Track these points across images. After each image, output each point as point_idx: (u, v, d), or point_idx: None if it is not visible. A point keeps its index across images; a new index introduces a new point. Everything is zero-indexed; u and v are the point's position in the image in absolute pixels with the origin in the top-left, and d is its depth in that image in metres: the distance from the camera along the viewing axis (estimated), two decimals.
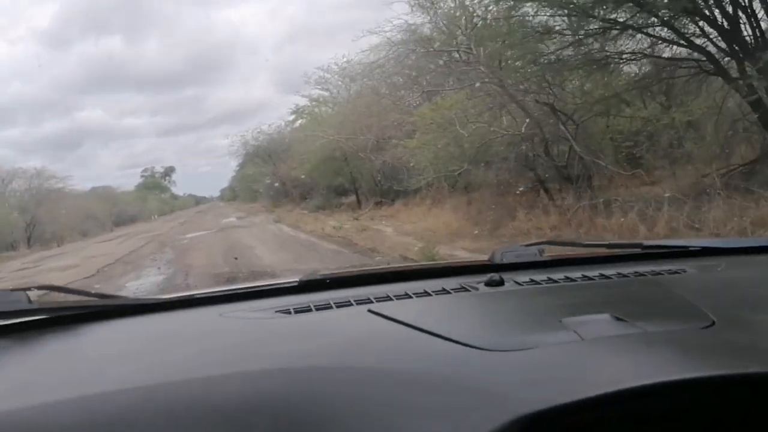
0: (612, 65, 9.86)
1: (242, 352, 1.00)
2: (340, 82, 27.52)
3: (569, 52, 9.73)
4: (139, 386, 0.84)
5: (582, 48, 9.63)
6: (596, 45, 9.68)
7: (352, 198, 27.90)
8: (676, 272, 1.40)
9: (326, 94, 28.14)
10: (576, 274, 1.37)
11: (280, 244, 12.85)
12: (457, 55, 14.54)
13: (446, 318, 1.17)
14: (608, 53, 9.60)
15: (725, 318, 0.97)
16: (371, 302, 1.21)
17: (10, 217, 37.66)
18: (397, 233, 13.88)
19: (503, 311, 1.23)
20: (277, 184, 37.18)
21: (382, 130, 21.76)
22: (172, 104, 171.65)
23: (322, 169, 25.59)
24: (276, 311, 1.20)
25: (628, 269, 1.44)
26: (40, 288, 1.31)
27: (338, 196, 29.46)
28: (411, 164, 19.18)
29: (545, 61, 9.99)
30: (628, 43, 9.87)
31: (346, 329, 1.13)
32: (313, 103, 26.74)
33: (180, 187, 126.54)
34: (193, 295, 1.39)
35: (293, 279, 1.44)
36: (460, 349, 0.89)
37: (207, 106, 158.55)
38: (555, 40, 9.89)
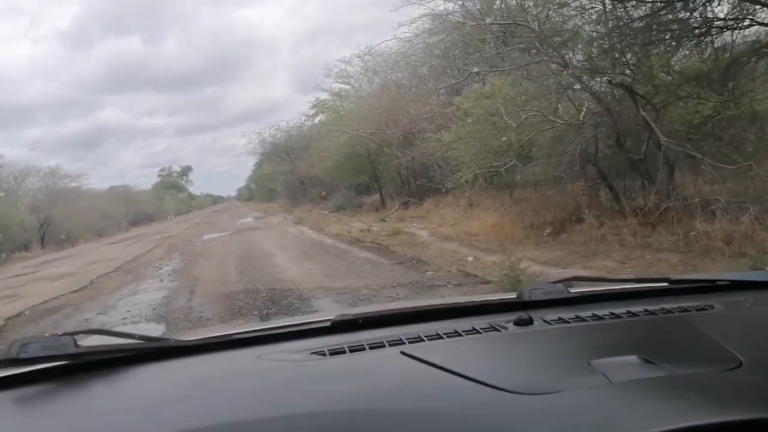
0: (712, 35, 7.93)
1: (283, 395, 1.03)
2: (362, 75, 25.73)
3: (658, 18, 7.84)
4: (187, 430, 0.86)
5: (675, 13, 7.73)
6: (685, 11, 7.81)
7: (375, 197, 26.11)
8: (703, 308, 1.38)
9: (347, 87, 26.36)
10: (603, 311, 1.36)
11: (303, 251, 11.06)
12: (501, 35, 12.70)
13: (477, 359, 1.18)
14: (710, 18, 7.67)
15: (753, 359, 0.97)
16: (403, 343, 1.21)
17: (22, 216, 36.20)
18: (436, 238, 12.05)
19: (532, 352, 1.22)
20: (295, 183, 35.49)
21: (409, 124, 19.95)
22: (190, 104, 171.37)
23: (344, 167, 23.81)
24: (311, 353, 1.21)
25: (655, 305, 1.41)
26: (86, 332, 1.38)
27: (360, 196, 27.67)
28: (445, 160, 17.43)
29: (627, 32, 8.11)
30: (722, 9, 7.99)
31: (381, 372, 1.13)
32: (335, 97, 24.95)
33: (197, 186, 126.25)
34: (231, 335, 1.41)
35: (326, 318, 1.44)
36: (491, 393, 0.90)
37: (225, 106, 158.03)
38: (639, 5, 8.00)
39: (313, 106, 24.60)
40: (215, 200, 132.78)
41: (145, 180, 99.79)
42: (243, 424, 0.88)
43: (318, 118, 24.54)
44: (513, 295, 1.56)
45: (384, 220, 18.06)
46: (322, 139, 23.53)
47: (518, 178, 13.62)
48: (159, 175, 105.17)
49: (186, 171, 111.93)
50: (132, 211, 63.03)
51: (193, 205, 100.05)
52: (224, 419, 0.90)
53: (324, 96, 27.05)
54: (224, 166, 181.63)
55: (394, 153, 20.70)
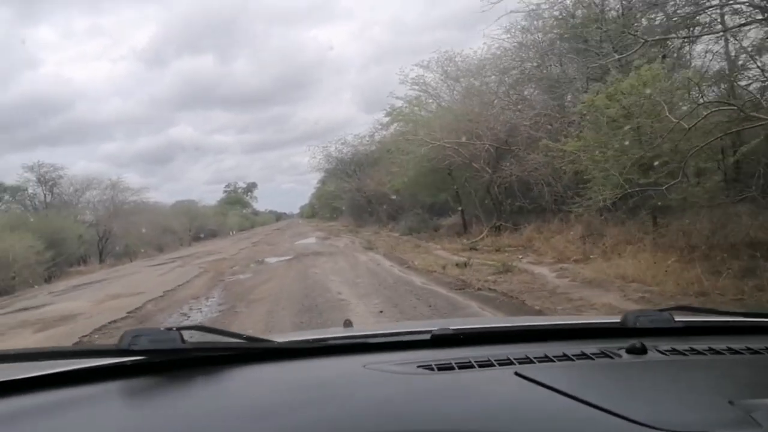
0: None
1: (393, 409, 0.99)
2: (441, 82, 22.31)
3: None
4: None
5: None
6: None
7: (454, 219, 22.55)
8: None
9: (424, 96, 22.98)
10: (719, 345, 1.28)
11: (389, 299, 7.47)
12: None
13: (597, 387, 1.11)
14: None
15: None
16: (513, 364, 1.17)
17: (80, 229, 34.25)
18: (571, 281, 8.40)
19: (657, 384, 1.13)
20: (361, 201, 32.30)
21: (506, 134, 16.38)
22: (258, 122, 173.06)
23: (421, 183, 20.37)
24: (418, 366, 1.17)
25: None
26: (192, 328, 1.26)
27: (435, 217, 24.14)
28: (558, 175, 13.74)
29: None
30: None
31: (494, 392, 1.08)
32: (411, 105, 21.60)
33: (261, 202, 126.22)
34: (334, 339, 1.40)
35: (425, 330, 1.40)
36: (622, 424, 0.86)
37: (291, 124, 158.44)
38: None
39: (388, 114, 21.40)
40: (278, 217, 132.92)
41: (211, 195, 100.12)
42: None
43: (393, 127, 21.27)
44: (617, 319, 1.48)
45: (474, 248, 14.48)
46: (397, 151, 20.19)
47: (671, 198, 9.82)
48: (224, 191, 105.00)
49: (251, 187, 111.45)
50: (195, 226, 61.74)
51: (257, 222, 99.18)
52: (334, 430, 0.86)
53: (397, 104, 23.72)
54: (288, 183, 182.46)
55: (482, 167, 17.16)
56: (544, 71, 15.90)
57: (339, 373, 1.22)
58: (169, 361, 1.17)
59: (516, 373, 1.09)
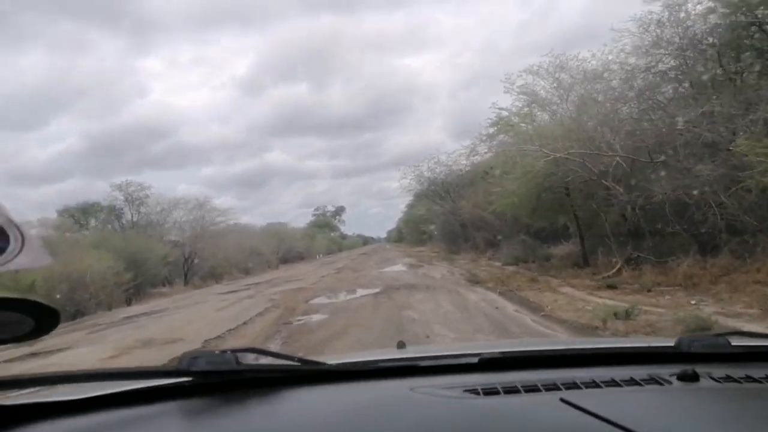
0: None
1: None
2: (554, 90, 18.90)
3: None
4: None
5: None
6: None
7: (568, 247, 19.02)
8: None
9: (532, 105, 19.62)
10: None
11: None
12: None
13: (645, 414, 1.03)
14: None
15: None
16: (559, 389, 1.14)
17: (166, 249, 33.00)
18: None
19: (709, 412, 1.08)
20: (454, 226, 29.17)
21: (655, 140, 12.87)
22: (349, 148, 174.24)
23: (530, 205, 17.01)
24: (464, 390, 1.16)
25: None
26: (246, 350, 1.25)
27: (544, 244, 20.63)
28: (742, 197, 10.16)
29: None
30: None
31: (539, 418, 1.04)
32: (521, 114, 18.33)
33: (349, 226, 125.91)
34: (386, 363, 1.41)
35: (472, 353, 1.40)
36: None
37: (381, 150, 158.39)
38: None
39: (492, 124, 18.25)
40: (365, 241, 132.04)
41: (301, 219, 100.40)
42: None
43: (498, 138, 18.07)
44: (671, 343, 1.41)
45: (612, 286, 11.02)
46: (505, 167, 16.96)
47: None
48: (313, 215, 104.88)
49: (339, 211, 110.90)
50: (283, 249, 60.67)
51: (344, 245, 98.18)
52: None
53: (501, 114, 20.45)
54: (376, 208, 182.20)
55: (613, 186, 13.68)
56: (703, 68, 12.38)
57: (387, 396, 1.22)
58: (225, 382, 1.19)
59: (561, 399, 1.06)
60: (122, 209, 35.92)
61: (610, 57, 15.28)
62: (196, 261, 37.75)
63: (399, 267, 23.57)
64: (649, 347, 1.52)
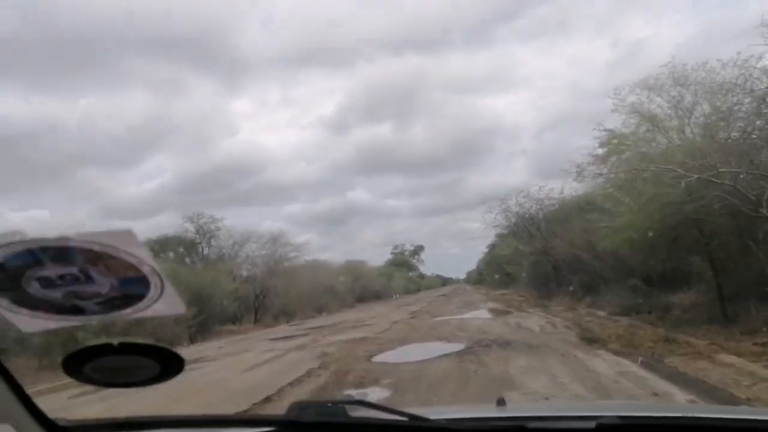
0: None
1: None
2: (673, 109, 15.45)
3: None
4: None
5: None
6: None
7: (694, 295, 15.33)
8: None
9: (646, 125, 16.22)
10: None
11: None
12: None
13: None
14: None
15: None
16: None
17: (235, 285, 31.18)
18: None
19: None
20: (545, 268, 25.67)
21: None
22: (430, 187, 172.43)
23: (653, 242, 13.55)
24: None
25: None
26: (354, 403, 1.28)
27: (659, 291, 16.90)
28: None
29: None
30: None
31: None
32: (636, 137, 14.98)
33: (428, 266, 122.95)
34: (495, 421, 1.34)
35: (587, 415, 1.30)
36: None
37: (462, 189, 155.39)
38: None
39: (602, 144, 14.97)
40: (444, 282, 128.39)
41: (379, 257, 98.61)
42: None
43: (611, 160, 14.79)
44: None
45: None
46: (621, 192, 13.66)
47: None
48: (392, 253, 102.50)
49: (418, 250, 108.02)
50: (359, 286, 58.33)
51: (422, 285, 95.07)
52: None
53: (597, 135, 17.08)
54: (455, 248, 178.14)
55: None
56: None
57: None
58: None
59: None
60: (196, 242, 34.55)
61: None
62: (266, 297, 35.84)
63: (484, 313, 20.37)
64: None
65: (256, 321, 34.97)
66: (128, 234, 0.72)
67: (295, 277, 41.97)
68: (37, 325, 0.78)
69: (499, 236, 51.95)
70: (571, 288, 23.48)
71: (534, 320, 15.93)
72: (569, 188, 24.11)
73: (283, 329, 21.84)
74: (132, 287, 0.76)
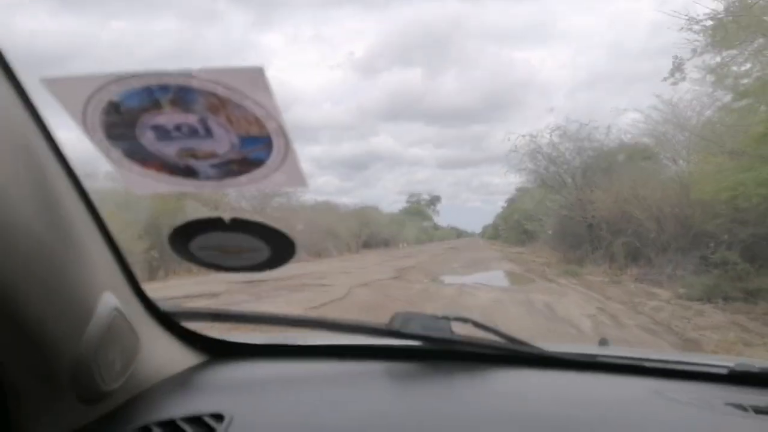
0: None
1: None
2: None
3: None
4: None
5: None
6: None
7: None
8: None
9: None
10: None
11: None
12: None
13: None
14: None
15: None
16: None
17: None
18: None
19: None
20: (577, 225, 20.03)
21: None
22: (455, 138, 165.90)
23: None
24: (727, 404, 0.93)
25: None
26: (460, 320, 1.15)
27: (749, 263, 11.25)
28: None
29: None
30: None
31: None
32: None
33: (444, 217, 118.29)
34: (610, 358, 1.16)
35: (721, 364, 1.13)
36: None
37: (488, 144, 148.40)
38: None
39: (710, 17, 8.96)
40: (459, 234, 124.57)
41: (396, 206, 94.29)
42: None
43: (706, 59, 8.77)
44: None
45: None
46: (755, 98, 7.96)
47: None
48: (407, 201, 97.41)
49: (434, 201, 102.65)
50: (366, 233, 53.51)
51: (435, 236, 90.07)
52: None
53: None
54: (475, 202, 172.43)
55: None
56: None
57: (621, 393, 1.03)
58: (433, 350, 1.12)
59: None
60: None
61: None
62: None
63: (496, 278, 14.82)
64: None
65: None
66: (258, 73, 0.58)
67: (292, 216, 37.13)
68: (147, 186, 0.68)
69: (520, 190, 46.18)
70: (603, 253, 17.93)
71: (573, 301, 9.88)
72: (624, 125, 18.36)
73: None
74: (253, 148, 0.65)
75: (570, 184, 20.59)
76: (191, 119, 0.62)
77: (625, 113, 19.56)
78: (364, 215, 54.85)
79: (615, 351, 1.28)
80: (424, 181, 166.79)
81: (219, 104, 0.60)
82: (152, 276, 16.47)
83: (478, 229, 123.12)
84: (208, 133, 0.63)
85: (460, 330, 1.10)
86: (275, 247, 0.79)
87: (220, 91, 0.59)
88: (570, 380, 1.09)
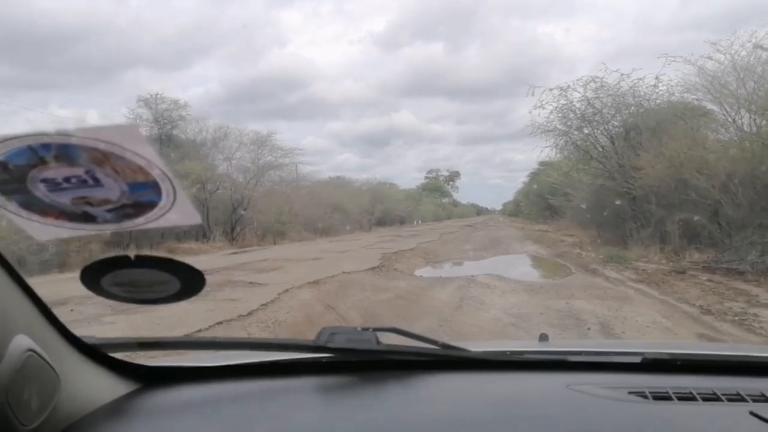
0: None
1: None
2: None
3: None
4: None
5: None
6: None
7: None
8: None
9: None
10: None
11: None
12: None
13: None
14: None
15: None
16: (745, 401, 0.92)
17: (190, 190, 22.59)
18: None
19: None
20: (618, 198, 16.10)
21: None
22: (477, 114, 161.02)
23: None
24: (629, 392, 0.97)
25: None
26: (387, 330, 1.12)
27: None
28: None
29: None
30: None
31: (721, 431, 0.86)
32: None
33: (464, 194, 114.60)
34: (532, 353, 1.23)
35: (634, 352, 1.19)
36: None
37: (510, 120, 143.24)
38: None
39: None
40: (479, 211, 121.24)
41: (416, 182, 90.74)
42: None
43: None
44: None
45: None
46: None
47: None
48: (426, 177, 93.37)
49: (453, 176, 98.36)
50: (380, 210, 49.98)
51: (454, 213, 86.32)
52: None
53: None
54: (496, 179, 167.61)
55: None
56: None
57: (538, 391, 1.06)
58: (362, 361, 1.10)
59: (752, 413, 0.86)
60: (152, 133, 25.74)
61: None
62: (246, 212, 27.48)
63: (520, 266, 11.13)
64: None
65: (233, 240, 26.83)
66: (133, 130, 0.63)
67: (296, 191, 33.71)
68: (49, 232, 0.71)
69: (543, 163, 41.95)
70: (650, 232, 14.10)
71: (643, 314, 5.83)
72: (674, 78, 14.42)
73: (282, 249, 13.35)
74: (143, 193, 0.68)
75: (609, 148, 16.61)
76: (78, 171, 0.63)
77: (672, 63, 15.24)
78: (379, 191, 51.38)
79: (551, 347, 1.35)
80: (445, 158, 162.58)
81: (102, 157, 0.62)
82: None
83: (498, 206, 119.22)
84: (98, 182, 0.64)
85: (389, 340, 1.05)
86: (184, 278, 0.80)
87: (101, 146, 0.61)
88: (494, 380, 1.11)
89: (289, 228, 30.91)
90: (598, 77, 16.27)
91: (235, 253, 18.37)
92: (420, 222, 54.55)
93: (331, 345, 1.03)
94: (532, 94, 16.60)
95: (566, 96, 16.67)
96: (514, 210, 74.08)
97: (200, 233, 25.91)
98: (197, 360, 1.18)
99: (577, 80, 16.52)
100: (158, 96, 24.95)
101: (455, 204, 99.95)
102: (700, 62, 13.50)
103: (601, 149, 16.92)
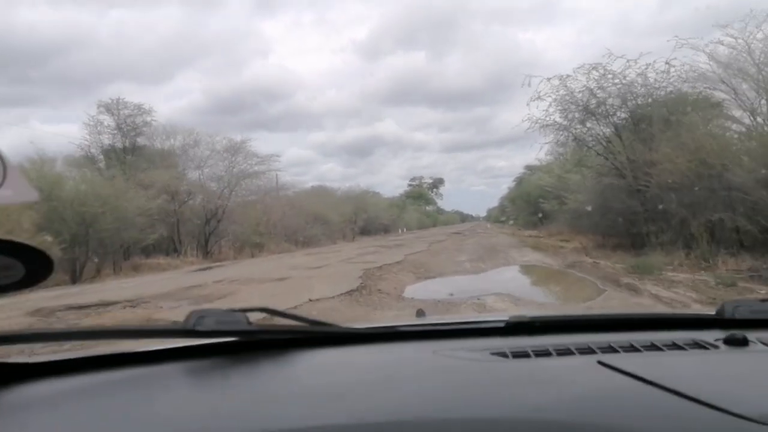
0: None
1: (466, 396, 0.85)
2: None
3: None
4: (359, 423, 0.74)
5: None
6: None
7: None
8: None
9: None
10: None
11: None
12: None
13: (691, 377, 0.89)
14: None
15: None
16: (595, 353, 0.99)
17: (154, 202, 20.29)
18: None
19: (762, 376, 0.92)
20: (626, 199, 14.19)
21: None
22: (459, 122, 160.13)
23: None
24: (492, 353, 1.01)
25: None
26: (257, 310, 1.08)
27: None
28: None
29: None
30: None
31: (574, 380, 0.90)
32: None
33: (448, 201, 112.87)
34: (403, 326, 1.23)
35: (499, 319, 1.23)
36: (720, 417, 0.70)
37: (493, 126, 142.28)
38: None
39: None
40: (464, 218, 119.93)
41: (399, 191, 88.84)
42: (424, 422, 0.74)
43: None
44: (711, 312, 1.25)
45: None
46: None
47: None
48: (409, 185, 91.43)
49: (437, 183, 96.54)
50: (363, 218, 47.95)
51: (439, 221, 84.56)
52: (403, 415, 0.77)
53: None
54: (480, 186, 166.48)
55: None
56: None
57: (408, 358, 1.07)
58: (234, 343, 1.06)
59: (599, 362, 0.93)
60: (113, 143, 23.33)
61: None
62: (221, 223, 25.21)
63: (532, 284, 9.07)
64: (690, 314, 1.39)
65: (207, 254, 24.52)
66: None
67: (276, 201, 31.54)
68: None
69: (529, 167, 40.12)
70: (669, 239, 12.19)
71: None
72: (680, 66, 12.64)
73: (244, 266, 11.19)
74: None
75: (616, 142, 14.67)
76: None
77: (680, 49, 13.35)
78: (362, 200, 49.40)
79: (426, 320, 1.36)
80: (429, 165, 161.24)
81: None
82: None
83: (482, 213, 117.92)
84: None
85: (260, 321, 1.03)
86: (28, 262, 0.74)
87: None
88: (364, 352, 1.10)
89: (267, 239, 28.68)
90: (600, 64, 14.35)
91: (201, 270, 16.13)
92: (405, 230, 52.56)
93: (200, 328, 0.97)
94: (528, 85, 14.63)
95: (566, 86, 14.71)
96: (499, 216, 72.49)
97: (170, 247, 23.63)
98: (66, 354, 1.05)
99: (578, 68, 14.57)
100: (120, 101, 22.64)
101: (440, 211, 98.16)
102: (710, 47, 11.70)
103: (606, 144, 14.96)
